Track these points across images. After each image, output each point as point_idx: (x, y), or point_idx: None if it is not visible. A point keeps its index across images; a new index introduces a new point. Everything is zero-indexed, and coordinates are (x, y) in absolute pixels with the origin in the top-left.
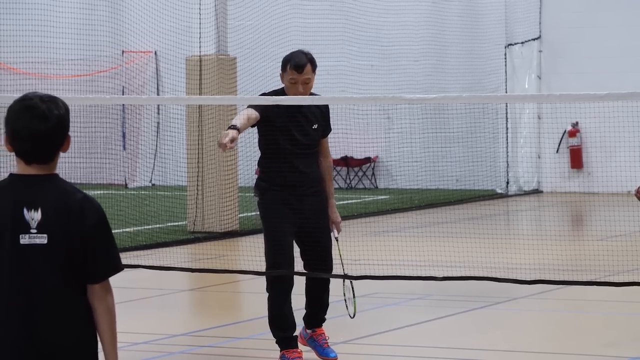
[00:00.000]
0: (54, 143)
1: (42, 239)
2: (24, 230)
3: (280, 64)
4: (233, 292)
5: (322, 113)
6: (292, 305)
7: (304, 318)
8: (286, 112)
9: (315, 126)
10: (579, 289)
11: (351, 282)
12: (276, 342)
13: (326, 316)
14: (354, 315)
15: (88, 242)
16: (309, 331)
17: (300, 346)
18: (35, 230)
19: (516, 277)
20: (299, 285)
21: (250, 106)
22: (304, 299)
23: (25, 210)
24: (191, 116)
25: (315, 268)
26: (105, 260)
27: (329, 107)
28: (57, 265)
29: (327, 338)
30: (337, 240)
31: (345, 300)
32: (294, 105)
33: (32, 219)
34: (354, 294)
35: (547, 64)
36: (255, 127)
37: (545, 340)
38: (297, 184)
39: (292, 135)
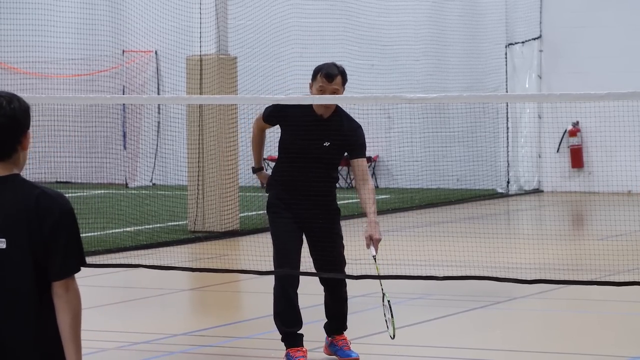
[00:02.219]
0: (5, 140)
1: (1, 244)
2: None
3: (280, 63)
4: (233, 292)
5: (344, 133)
6: (300, 303)
7: (324, 326)
8: (303, 118)
9: (326, 143)
10: (580, 289)
11: (389, 301)
12: (281, 340)
13: (347, 324)
14: (394, 337)
15: (48, 240)
16: (329, 338)
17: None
18: None
19: (517, 277)
20: (309, 286)
21: (262, 116)
22: (313, 299)
23: None
24: (192, 116)
25: (323, 270)
26: (64, 258)
27: (362, 132)
28: (19, 268)
29: (348, 342)
30: (374, 259)
31: (385, 320)
32: (312, 116)
33: None
34: (392, 314)
35: (547, 63)
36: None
37: (546, 340)
38: (301, 188)
39: (301, 143)
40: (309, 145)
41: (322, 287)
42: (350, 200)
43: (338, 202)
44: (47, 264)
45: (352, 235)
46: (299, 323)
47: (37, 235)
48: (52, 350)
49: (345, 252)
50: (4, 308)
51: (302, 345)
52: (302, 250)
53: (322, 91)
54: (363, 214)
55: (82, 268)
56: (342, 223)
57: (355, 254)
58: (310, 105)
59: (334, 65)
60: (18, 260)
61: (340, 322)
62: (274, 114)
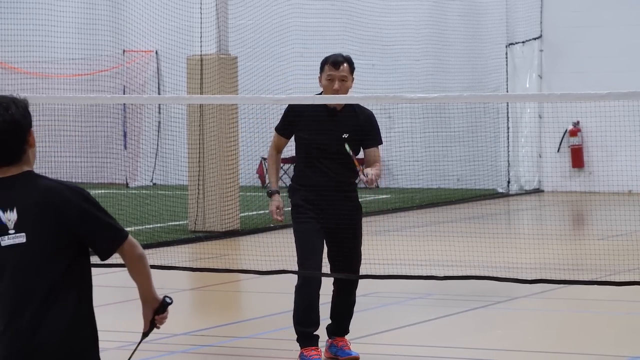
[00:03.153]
0: (12, 144)
1: (21, 238)
2: (3, 232)
3: (281, 63)
4: (234, 292)
5: (359, 123)
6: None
7: (327, 327)
8: (315, 115)
9: (345, 135)
10: (580, 289)
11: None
12: (297, 340)
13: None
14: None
15: (79, 227)
16: (330, 340)
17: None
18: (13, 231)
19: (517, 277)
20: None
21: (276, 129)
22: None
23: (1, 213)
24: (192, 115)
25: (339, 271)
26: (107, 229)
27: (375, 119)
28: (40, 261)
29: (348, 344)
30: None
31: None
32: (325, 111)
33: (9, 220)
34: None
35: (548, 63)
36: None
37: (546, 340)
38: (323, 187)
39: (320, 139)
40: (329, 140)
41: (330, 287)
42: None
43: None
44: (95, 244)
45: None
46: (315, 324)
47: (62, 226)
48: (74, 337)
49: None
50: (26, 300)
51: (317, 345)
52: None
53: (330, 80)
54: (364, 214)
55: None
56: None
57: None
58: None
59: (339, 54)
60: (38, 252)
61: (343, 325)
62: (288, 120)
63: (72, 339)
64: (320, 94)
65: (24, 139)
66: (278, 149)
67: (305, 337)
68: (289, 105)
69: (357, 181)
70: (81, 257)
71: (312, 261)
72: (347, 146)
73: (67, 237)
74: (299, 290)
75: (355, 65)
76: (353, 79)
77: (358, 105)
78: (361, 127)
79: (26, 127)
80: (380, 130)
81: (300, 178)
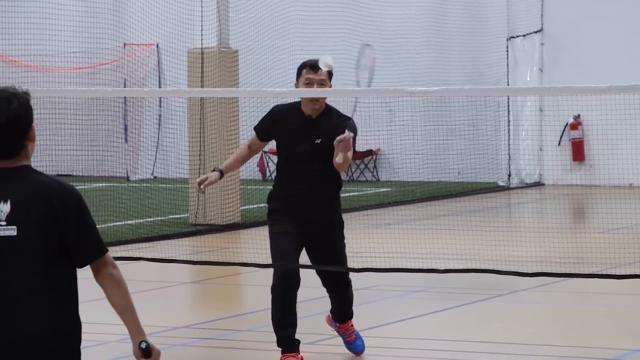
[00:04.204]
0: (13, 138)
1: (12, 231)
2: None
3: (282, 56)
4: (235, 285)
5: (333, 126)
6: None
7: (331, 310)
8: (293, 120)
9: (318, 140)
10: (581, 282)
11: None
12: (277, 344)
13: (352, 311)
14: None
15: (70, 228)
16: (337, 324)
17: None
18: (4, 223)
19: (518, 270)
20: (308, 278)
21: (254, 128)
22: (313, 292)
23: None
24: (193, 109)
25: (322, 278)
26: (95, 238)
27: (354, 124)
28: (29, 255)
29: (353, 331)
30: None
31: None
32: (301, 117)
33: (1, 212)
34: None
35: (549, 56)
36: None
37: (547, 333)
38: (298, 195)
39: (294, 146)
40: (304, 147)
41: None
42: (350, 194)
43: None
44: (77, 250)
45: (353, 228)
46: (291, 325)
47: (53, 224)
48: (63, 334)
49: (346, 245)
50: (15, 293)
51: (297, 352)
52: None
53: (308, 84)
54: (365, 207)
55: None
56: (345, 216)
57: (356, 247)
58: (299, 108)
59: (318, 58)
60: (28, 247)
61: (343, 315)
62: (266, 122)
63: (56, 335)
64: (297, 103)
65: (25, 133)
66: (252, 147)
67: (284, 342)
68: (273, 108)
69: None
70: (67, 254)
71: (285, 260)
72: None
73: (56, 234)
74: (274, 290)
75: (356, 58)
76: (331, 85)
77: (338, 114)
78: (336, 128)
79: (28, 122)
80: (373, 122)
81: (279, 187)
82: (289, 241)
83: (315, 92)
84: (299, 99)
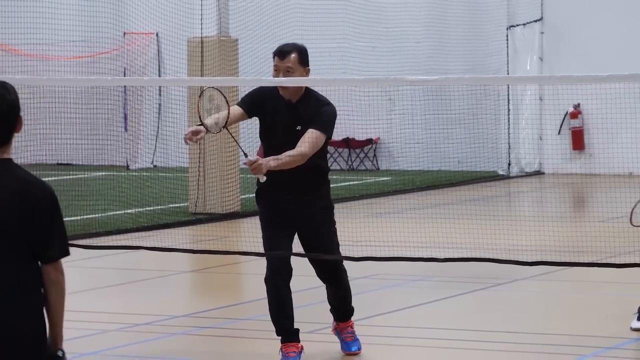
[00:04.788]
0: (6, 127)
1: None
2: None
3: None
4: (234, 274)
5: (313, 114)
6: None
7: (330, 311)
8: (275, 104)
9: (298, 127)
10: (580, 271)
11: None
12: (276, 333)
13: (352, 308)
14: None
15: (41, 226)
16: (335, 323)
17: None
18: None
19: (517, 259)
20: (307, 267)
21: (240, 102)
22: (312, 281)
23: None
24: (193, 98)
25: (315, 266)
26: (60, 241)
27: (332, 112)
28: (4, 249)
29: (351, 331)
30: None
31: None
32: (282, 101)
33: None
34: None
35: (548, 45)
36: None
37: (546, 321)
38: (281, 184)
39: (275, 133)
40: (284, 131)
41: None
42: (350, 183)
43: (339, 184)
44: (40, 247)
45: (352, 217)
46: (287, 317)
47: (27, 220)
48: (34, 325)
49: (344, 235)
50: None
51: (297, 341)
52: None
53: (276, 70)
54: (364, 196)
55: (78, 250)
56: (341, 206)
57: (356, 236)
58: (279, 92)
59: (289, 43)
60: (3, 240)
61: (340, 313)
62: (253, 98)
63: (23, 331)
64: (275, 88)
65: (15, 123)
66: (233, 111)
67: (282, 331)
68: (259, 87)
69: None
70: (37, 249)
71: (275, 256)
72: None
73: (28, 229)
74: (267, 282)
75: (356, 47)
76: (308, 70)
77: (318, 98)
78: (313, 117)
79: (18, 113)
80: (373, 111)
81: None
82: (280, 229)
83: (314, 81)
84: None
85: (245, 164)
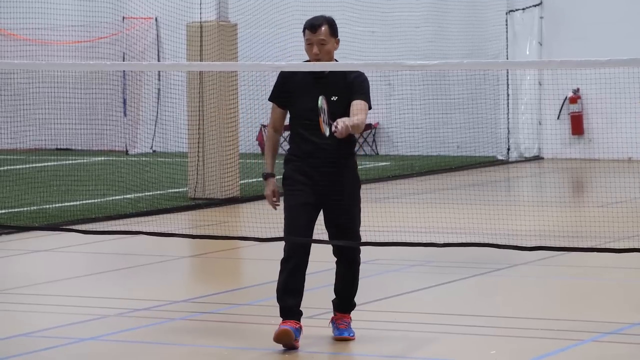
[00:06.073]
0: None
1: None
2: None
3: (281, 30)
4: (234, 259)
5: (346, 84)
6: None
7: (332, 301)
8: (303, 81)
9: (334, 98)
10: (579, 256)
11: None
12: (280, 314)
13: (355, 301)
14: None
15: None
16: (333, 316)
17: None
18: None
19: (516, 244)
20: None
21: (271, 99)
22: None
23: None
24: (192, 83)
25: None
26: None
27: (368, 83)
28: None
29: (347, 321)
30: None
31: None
32: (310, 77)
33: None
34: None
35: (548, 30)
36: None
37: (545, 306)
38: (313, 156)
39: (307, 105)
40: (315, 102)
41: (330, 257)
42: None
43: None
44: None
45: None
46: (293, 296)
47: None
48: None
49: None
50: None
51: (296, 320)
52: (317, 225)
53: (309, 44)
54: (364, 181)
55: (77, 235)
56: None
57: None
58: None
59: (319, 16)
60: None
61: (344, 301)
62: (280, 86)
63: None
64: (308, 61)
65: None
66: (276, 125)
67: (284, 310)
68: (280, 72)
69: (355, 150)
70: None
71: (296, 235)
72: (320, 100)
73: None
74: (283, 263)
75: (355, 32)
76: (338, 40)
77: (316, 64)
78: (349, 86)
79: None
80: (372, 96)
81: (292, 148)
82: (302, 214)
83: (313, 65)
84: (307, 60)
85: (334, 133)
